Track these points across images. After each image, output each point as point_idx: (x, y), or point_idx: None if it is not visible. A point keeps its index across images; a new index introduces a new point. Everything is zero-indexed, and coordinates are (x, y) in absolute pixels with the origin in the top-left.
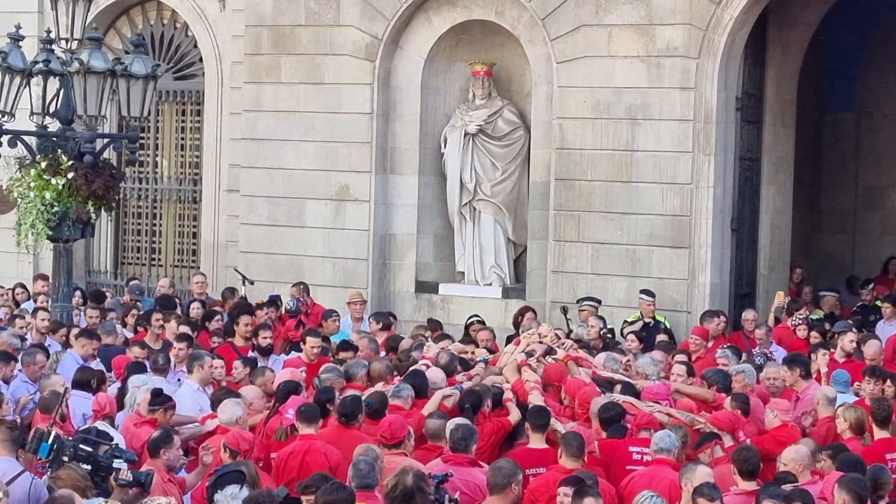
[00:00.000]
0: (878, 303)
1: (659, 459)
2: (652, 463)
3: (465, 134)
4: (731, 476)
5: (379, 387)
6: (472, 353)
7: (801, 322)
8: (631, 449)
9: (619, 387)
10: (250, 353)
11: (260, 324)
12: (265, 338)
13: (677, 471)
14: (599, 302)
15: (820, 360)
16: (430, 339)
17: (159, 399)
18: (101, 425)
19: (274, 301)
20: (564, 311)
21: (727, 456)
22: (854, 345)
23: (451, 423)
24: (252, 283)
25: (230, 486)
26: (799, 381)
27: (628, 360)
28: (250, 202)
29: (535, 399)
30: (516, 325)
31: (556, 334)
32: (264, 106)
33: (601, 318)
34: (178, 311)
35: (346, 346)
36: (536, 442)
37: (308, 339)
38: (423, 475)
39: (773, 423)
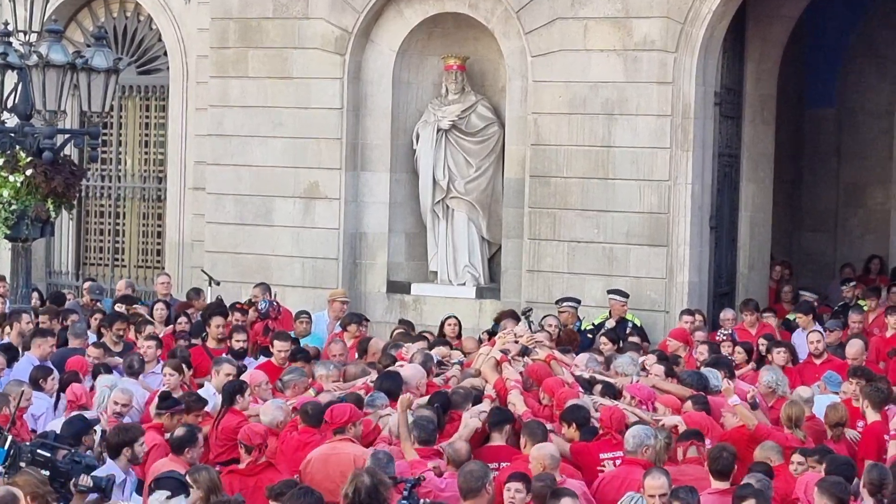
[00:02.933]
0: (860, 302)
1: (629, 460)
2: (623, 464)
3: (438, 130)
4: (686, 476)
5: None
6: (448, 356)
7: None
8: (602, 456)
9: (598, 387)
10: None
11: (234, 326)
12: (238, 341)
13: None
14: (579, 302)
15: (776, 358)
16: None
17: (166, 403)
18: (90, 414)
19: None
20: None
21: (699, 457)
22: (821, 345)
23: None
24: (218, 283)
25: (158, 492)
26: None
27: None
28: (216, 200)
29: (515, 398)
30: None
31: (533, 336)
32: (231, 101)
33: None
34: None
35: (300, 353)
36: (496, 440)
37: (276, 342)
38: (376, 470)
39: (735, 424)
